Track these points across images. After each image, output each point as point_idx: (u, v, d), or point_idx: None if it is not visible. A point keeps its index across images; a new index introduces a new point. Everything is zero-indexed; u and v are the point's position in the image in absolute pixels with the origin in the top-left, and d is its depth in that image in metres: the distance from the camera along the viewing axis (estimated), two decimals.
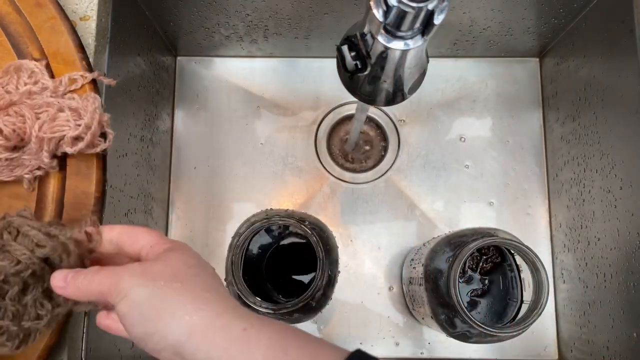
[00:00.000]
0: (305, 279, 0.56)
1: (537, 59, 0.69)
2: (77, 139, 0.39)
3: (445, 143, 0.67)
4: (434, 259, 0.51)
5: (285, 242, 0.56)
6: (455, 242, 0.49)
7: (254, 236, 0.53)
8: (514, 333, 0.45)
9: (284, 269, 0.56)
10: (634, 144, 0.50)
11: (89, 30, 0.46)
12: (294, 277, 0.56)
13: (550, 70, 0.67)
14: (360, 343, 0.63)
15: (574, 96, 0.61)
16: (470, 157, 0.67)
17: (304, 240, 0.55)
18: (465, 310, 0.44)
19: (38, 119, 0.39)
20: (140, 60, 0.57)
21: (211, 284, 0.31)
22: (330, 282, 0.48)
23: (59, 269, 0.33)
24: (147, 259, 0.32)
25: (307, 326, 0.63)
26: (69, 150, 0.39)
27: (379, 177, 0.66)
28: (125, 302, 0.29)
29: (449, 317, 0.47)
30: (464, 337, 0.48)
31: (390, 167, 0.67)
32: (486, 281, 0.55)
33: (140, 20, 0.57)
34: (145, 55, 0.59)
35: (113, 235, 0.34)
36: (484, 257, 0.55)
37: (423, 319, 0.56)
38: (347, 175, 0.66)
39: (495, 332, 0.44)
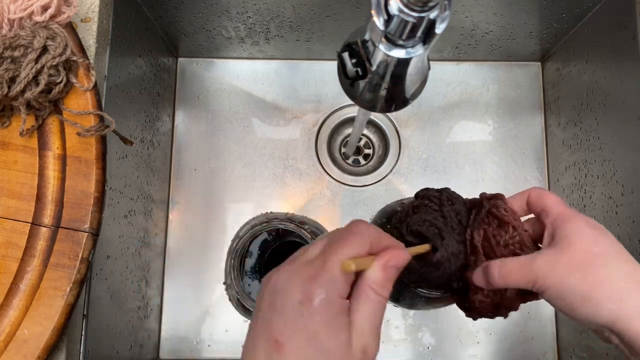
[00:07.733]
0: None
1: (539, 64, 0.69)
2: (45, 8, 0.41)
3: (446, 146, 0.67)
4: None
5: (285, 245, 0.56)
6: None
7: (253, 239, 0.53)
8: None
9: None
10: (635, 150, 0.50)
11: (90, 32, 0.46)
12: None
13: (552, 75, 0.67)
14: None
15: (576, 101, 0.60)
16: (471, 161, 0.67)
17: (304, 244, 0.55)
18: None
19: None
20: (141, 61, 0.57)
21: None
22: None
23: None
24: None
25: None
26: (39, 18, 0.40)
27: (380, 180, 0.66)
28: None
29: None
30: None
31: (391, 170, 0.66)
32: None
33: (141, 22, 0.57)
34: (146, 56, 0.59)
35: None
36: None
37: None
38: (348, 178, 0.66)
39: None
